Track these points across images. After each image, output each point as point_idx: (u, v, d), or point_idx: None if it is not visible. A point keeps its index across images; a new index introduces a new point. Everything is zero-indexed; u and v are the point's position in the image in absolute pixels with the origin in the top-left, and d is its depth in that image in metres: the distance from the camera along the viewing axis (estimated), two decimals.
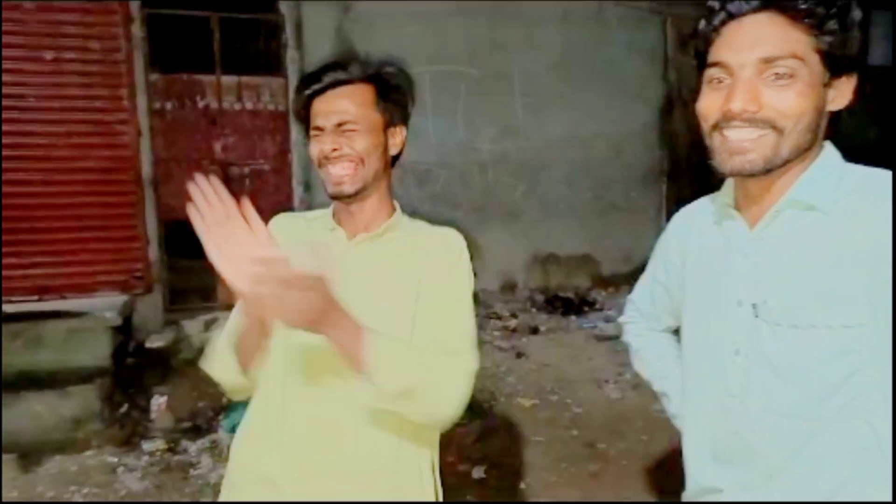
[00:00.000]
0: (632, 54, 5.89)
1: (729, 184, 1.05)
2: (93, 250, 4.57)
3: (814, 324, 0.90)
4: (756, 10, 0.90)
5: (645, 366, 1.35)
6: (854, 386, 0.90)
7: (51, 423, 3.52)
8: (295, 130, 5.03)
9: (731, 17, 0.92)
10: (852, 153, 0.99)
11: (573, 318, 5.35)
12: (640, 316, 1.35)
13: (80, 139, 4.50)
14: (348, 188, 1.20)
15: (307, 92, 1.20)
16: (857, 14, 0.90)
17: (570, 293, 5.84)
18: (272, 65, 5.02)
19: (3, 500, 2.65)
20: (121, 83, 4.54)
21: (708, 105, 0.95)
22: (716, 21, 0.93)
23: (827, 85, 0.91)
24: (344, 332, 1.01)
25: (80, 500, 2.95)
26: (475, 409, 3.76)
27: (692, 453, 1.11)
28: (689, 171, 6.27)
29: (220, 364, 1.20)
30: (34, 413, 3.52)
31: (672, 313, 1.23)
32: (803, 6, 0.87)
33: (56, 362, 3.82)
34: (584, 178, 5.94)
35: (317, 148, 1.21)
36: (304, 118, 1.23)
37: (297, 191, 5.01)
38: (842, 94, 0.93)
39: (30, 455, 3.29)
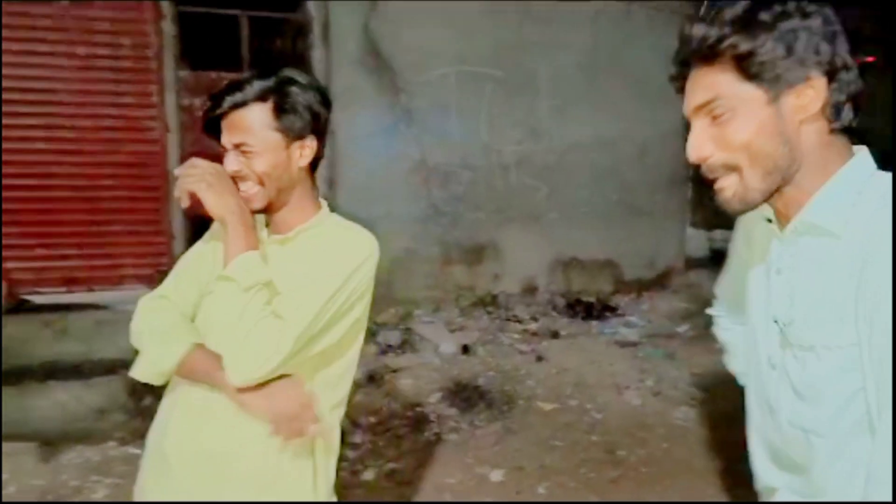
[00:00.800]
0: (660, 56, 5.76)
1: None
2: (119, 244, 4.63)
3: (813, 345, 0.93)
4: (687, 66, 0.97)
5: (732, 361, 1.36)
6: (860, 404, 0.91)
7: (75, 413, 3.58)
8: None
9: (683, 69, 0.99)
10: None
11: (594, 323, 5.31)
12: (724, 309, 1.36)
13: (109, 134, 4.56)
14: (255, 205, 1.30)
15: (209, 117, 1.27)
16: (785, 25, 0.88)
17: (592, 298, 5.79)
18: (299, 64, 5.05)
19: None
20: (150, 79, 4.60)
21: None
22: (675, 77, 1.01)
23: (779, 99, 0.90)
24: (239, 234, 1.24)
25: (103, 490, 2.99)
26: (493, 410, 3.75)
27: (753, 453, 1.15)
28: None
29: (150, 363, 1.33)
30: (59, 402, 3.58)
31: None
32: (709, 48, 0.90)
33: (82, 353, 3.89)
34: (608, 182, 5.89)
35: (225, 165, 1.29)
36: (216, 135, 1.30)
37: (321, 188, 5.02)
38: (806, 99, 0.90)
39: (54, 444, 3.35)
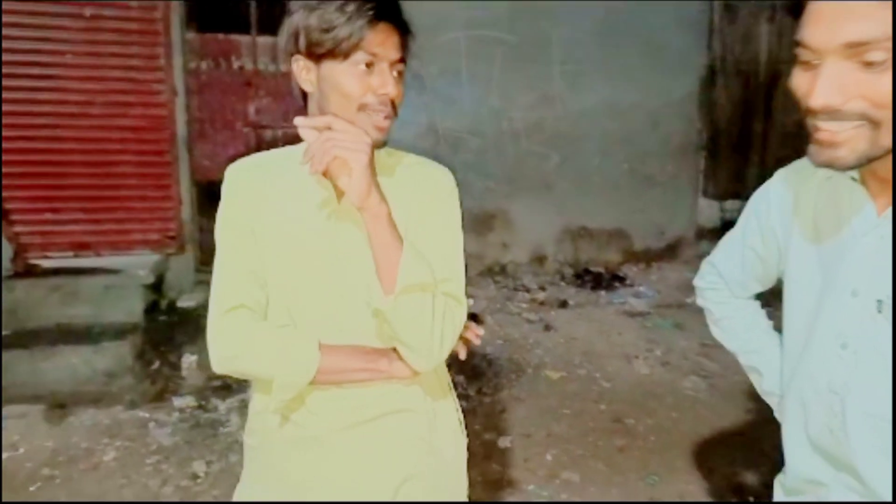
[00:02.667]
0: (676, 23, 5.69)
1: None
2: (127, 209, 4.62)
3: None
4: None
5: (731, 337, 1.26)
6: None
7: (85, 376, 3.60)
8: None
9: None
10: None
11: (603, 293, 5.28)
12: (721, 282, 1.25)
13: (116, 97, 4.51)
14: (384, 138, 1.11)
15: (375, 13, 1.04)
16: None
17: (601, 268, 5.76)
18: None
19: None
20: (157, 42, 4.53)
21: (796, 88, 0.83)
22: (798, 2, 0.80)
23: None
24: (393, 226, 1.07)
25: (113, 452, 3.02)
26: (501, 379, 3.75)
27: (791, 441, 1.04)
28: (728, 146, 6.08)
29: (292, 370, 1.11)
30: (70, 365, 3.61)
31: (762, 281, 1.15)
32: None
33: (91, 317, 3.91)
34: (620, 150, 5.80)
35: (367, 84, 1.06)
36: (344, 48, 1.04)
37: None
38: None
39: (65, 406, 3.38)
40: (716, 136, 6.06)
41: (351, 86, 1.06)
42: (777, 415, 1.13)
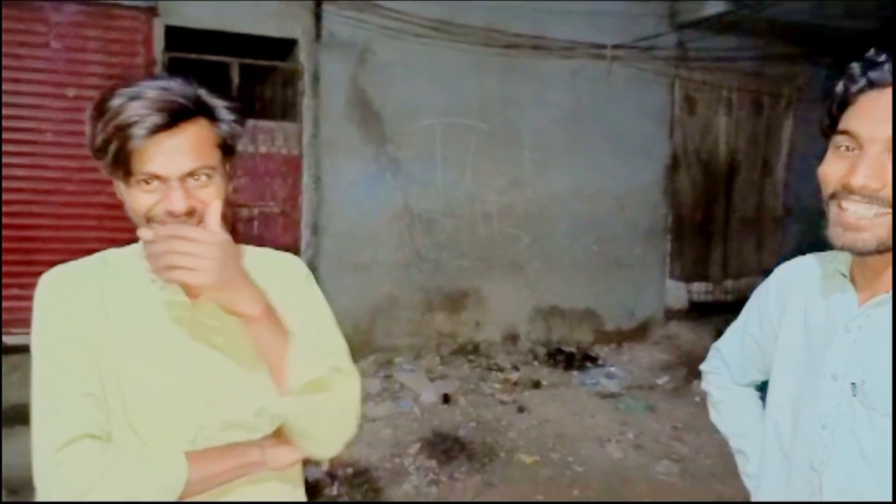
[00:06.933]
0: (639, 113, 6.00)
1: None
2: None
3: None
4: (873, 86, 0.86)
5: (724, 420, 1.32)
6: None
7: None
8: (306, 175, 5.09)
9: (872, 86, 0.87)
10: None
11: (575, 373, 5.29)
12: (724, 367, 1.31)
13: (92, 174, 4.54)
14: None
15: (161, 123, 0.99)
16: None
17: (573, 347, 5.79)
18: (287, 111, 5.12)
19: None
20: None
21: (830, 172, 0.91)
22: (854, 88, 0.89)
23: None
24: (265, 325, 0.95)
25: None
26: (474, 463, 3.69)
27: None
28: (692, 230, 6.31)
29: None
30: (24, 450, 3.46)
31: (760, 368, 1.20)
32: None
33: None
34: (589, 233, 5.97)
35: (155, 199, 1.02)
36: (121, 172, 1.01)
37: (305, 234, 5.03)
38: None
39: (17, 492, 3.22)
40: (680, 220, 6.29)
41: (140, 201, 1.00)
42: (754, 497, 1.16)
